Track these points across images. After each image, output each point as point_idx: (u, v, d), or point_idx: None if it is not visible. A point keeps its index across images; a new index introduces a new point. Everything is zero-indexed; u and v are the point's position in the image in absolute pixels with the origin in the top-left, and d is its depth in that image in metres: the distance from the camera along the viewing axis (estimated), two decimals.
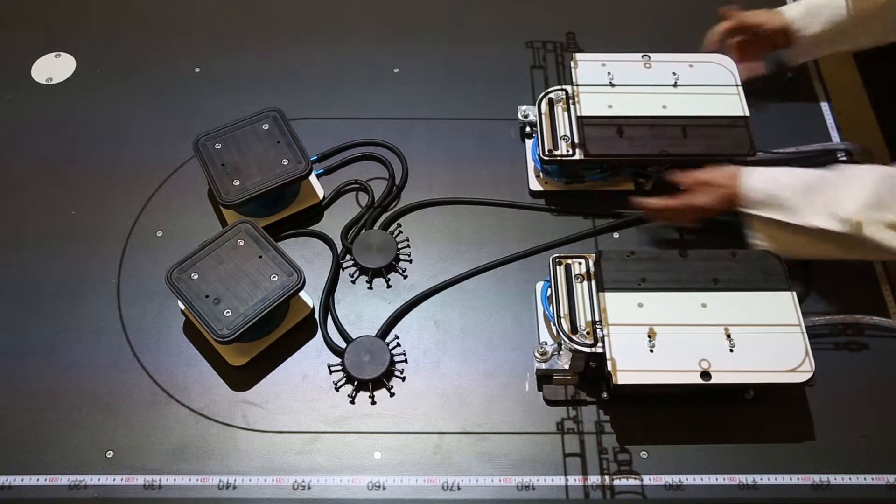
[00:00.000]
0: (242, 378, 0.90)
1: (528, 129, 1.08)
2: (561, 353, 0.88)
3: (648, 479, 0.84)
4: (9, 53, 1.18)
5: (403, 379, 0.90)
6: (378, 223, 1.02)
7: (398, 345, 0.92)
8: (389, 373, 0.90)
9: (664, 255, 0.94)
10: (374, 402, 0.89)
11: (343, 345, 0.91)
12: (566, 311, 0.87)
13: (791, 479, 0.84)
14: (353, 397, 0.89)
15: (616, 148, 0.99)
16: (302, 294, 0.94)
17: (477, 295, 0.96)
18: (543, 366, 0.88)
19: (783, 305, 0.88)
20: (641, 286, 0.90)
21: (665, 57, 1.06)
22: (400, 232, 1.01)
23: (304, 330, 0.93)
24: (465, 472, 0.84)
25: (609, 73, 1.05)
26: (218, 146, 0.98)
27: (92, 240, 1.00)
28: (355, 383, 0.89)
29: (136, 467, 0.85)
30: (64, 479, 0.84)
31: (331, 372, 0.90)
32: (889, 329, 0.93)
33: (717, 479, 0.84)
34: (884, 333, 0.93)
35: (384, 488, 0.84)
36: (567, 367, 0.88)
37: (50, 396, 0.89)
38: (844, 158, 1.05)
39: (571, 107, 1.02)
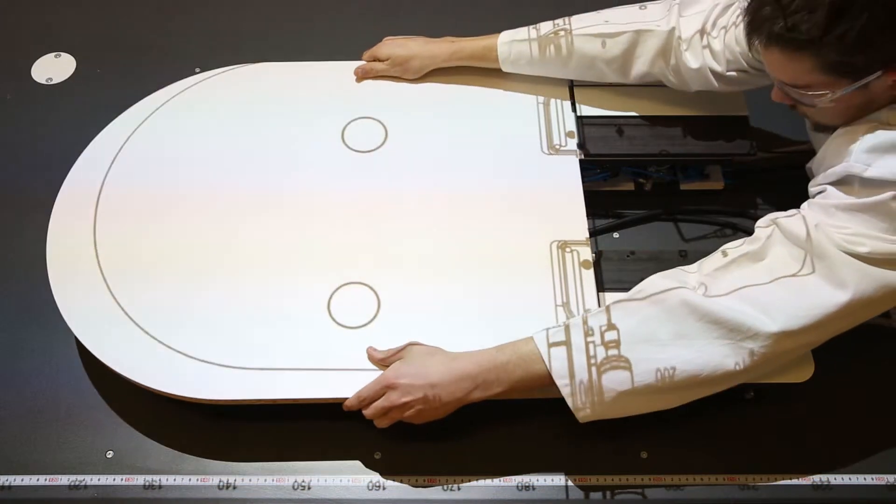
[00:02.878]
0: None
1: None
2: None
3: (648, 479, 0.84)
4: (9, 53, 1.18)
5: None
6: None
7: None
8: None
9: (664, 255, 0.94)
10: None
11: None
12: None
13: (791, 479, 0.84)
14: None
15: (616, 148, 0.99)
16: None
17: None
18: None
19: None
20: None
21: None
22: None
23: None
24: (465, 472, 0.84)
25: None
26: None
27: None
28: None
29: (136, 467, 0.85)
30: (64, 479, 0.84)
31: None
32: (889, 329, 0.93)
33: (717, 479, 0.84)
34: (884, 333, 0.93)
35: (384, 488, 0.84)
36: None
37: (50, 396, 0.89)
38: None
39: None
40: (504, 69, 1.03)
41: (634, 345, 0.76)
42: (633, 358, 0.76)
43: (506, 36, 1.02)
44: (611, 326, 0.77)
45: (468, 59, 1.04)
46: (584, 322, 0.78)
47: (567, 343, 0.78)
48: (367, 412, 0.81)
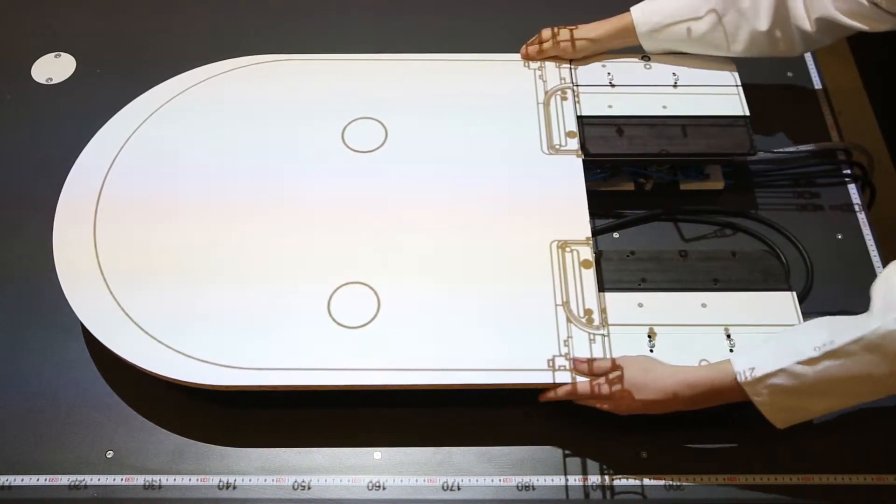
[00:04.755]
0: None
1: None
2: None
3: (648, 480, 0.84)
4: (9, 53, 1.18)
5: None
6: None
7: None
8: None
9: (664, 255, 0.94)
10: (374, 402, 0.89)
11: None
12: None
13: (791, 479, 0.84)
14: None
15: (616, 147, 0.99)
16: None
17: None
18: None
19: (783, 305, 0.88)
20: (641, 286, 0.91)
21: (665, 58, 1.06)
22: None
23: None
24: (465, 472, 0.84)
25: (609, 73, 1.05)
26: None
27: None
28: None
29: (136, 467, 0.85)
30: (64, 479, 0.84)
31: None
32: None
33: (717, 479, 0.84)
34: None
35: (384, 488, 0.84)
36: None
37: (50, 396, 0.89)
38: (843, 159, 1.04)
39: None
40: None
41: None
42: None
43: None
44: None
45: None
46: None
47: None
48: (564, 396, 0.83)
